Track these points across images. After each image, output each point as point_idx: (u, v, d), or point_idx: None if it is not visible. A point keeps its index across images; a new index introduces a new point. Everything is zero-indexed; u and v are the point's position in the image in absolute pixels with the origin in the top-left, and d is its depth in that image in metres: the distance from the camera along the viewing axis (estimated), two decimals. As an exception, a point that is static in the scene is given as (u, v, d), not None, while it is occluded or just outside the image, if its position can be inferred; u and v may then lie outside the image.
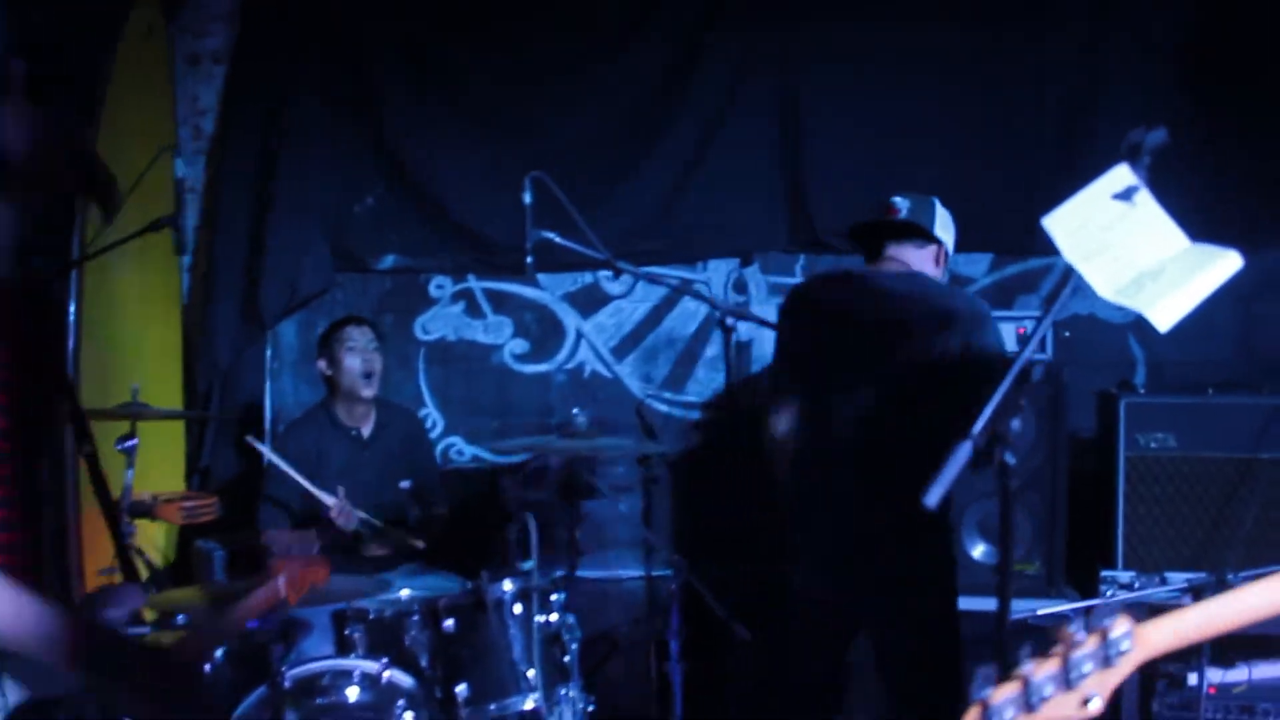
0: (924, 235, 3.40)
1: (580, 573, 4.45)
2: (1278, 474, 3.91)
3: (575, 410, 3.60)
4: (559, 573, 3.43)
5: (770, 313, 4.77)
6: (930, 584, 3.28)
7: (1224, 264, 1.94)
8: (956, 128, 4.63)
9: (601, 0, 4.75)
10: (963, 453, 1.75)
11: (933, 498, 1.73)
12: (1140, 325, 4.55)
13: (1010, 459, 1.80)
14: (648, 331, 4.89)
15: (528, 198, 3.46)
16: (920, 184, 4.42)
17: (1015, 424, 1.76)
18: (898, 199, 3.45)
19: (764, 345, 4.80)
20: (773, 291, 4.83)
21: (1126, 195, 1.99)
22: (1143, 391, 4.14)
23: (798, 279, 4.78)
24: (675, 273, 4.85)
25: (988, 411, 1.77)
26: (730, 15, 4.68)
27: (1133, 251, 1.93)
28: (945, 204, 3.51)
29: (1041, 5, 4.60)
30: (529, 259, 3.46)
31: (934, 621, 3.27)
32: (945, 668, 3.23)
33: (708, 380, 4.83)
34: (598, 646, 4.48)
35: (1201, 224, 4.25)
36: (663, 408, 4.88)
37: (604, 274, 4.87)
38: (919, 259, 3.40)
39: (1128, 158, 2.01)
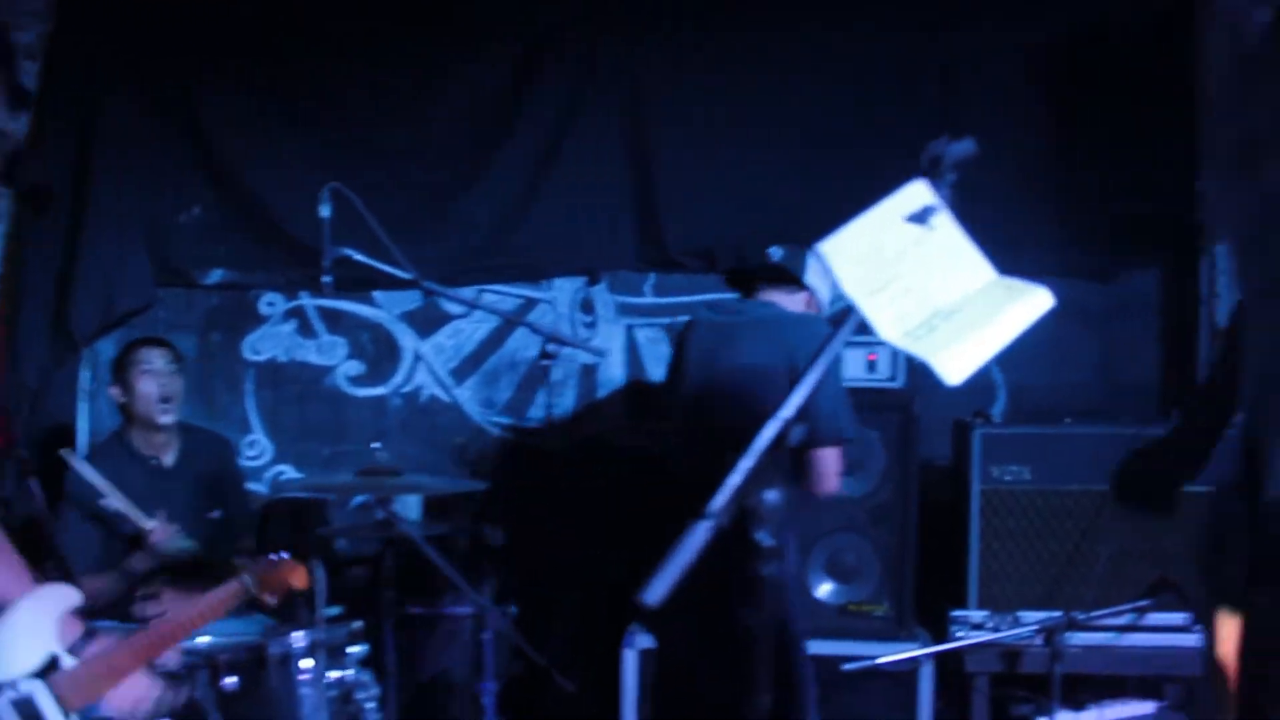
0: (794, 282, 3.45)
1: (416, 610, 4.18)
2: (1133, 508, 3.76)
3: (375, 445, 3.30)
4: (357, 624, 3.13)
5: (618, 333, 4.56)
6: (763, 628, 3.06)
7: (1032, 302, 1.65)
8: (815, 142, 4.40)
9: (441, 8, 4.45)
10: (698, 535, 1.40)
11: (654, 594, 1.37)
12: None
13: (766, 540, 1.49)
14: (489, 353, 4.60)
15: (325, 211, 3.17)
16: (775, 201, 4.28)
17: (771, 496, 1.45)
18: (773, 249, 3.51)
19: (611, 370, 4.56)
20: (621, 311, 4.57)
21: (922, 217, 1.73)
22: (998, 421, 3.97)
23: (647, 298, 4.57)
24: (520, 291, 4.59)
25: (733, 482, 1.44)
26: (574, 23, 4.41)
27: (926, 285, 1.67)
28: (802, 221, 3.32)
29: (908, 17, 4.38)
30: (326, 278, 3.18)
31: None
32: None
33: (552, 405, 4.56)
34: (433, 688, 4.22)
35: (1056, 248, 4.14)
36: (503, 434, 4.60)
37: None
38: (789, 303, 3.46)
39: (927, 173, 1.76)
